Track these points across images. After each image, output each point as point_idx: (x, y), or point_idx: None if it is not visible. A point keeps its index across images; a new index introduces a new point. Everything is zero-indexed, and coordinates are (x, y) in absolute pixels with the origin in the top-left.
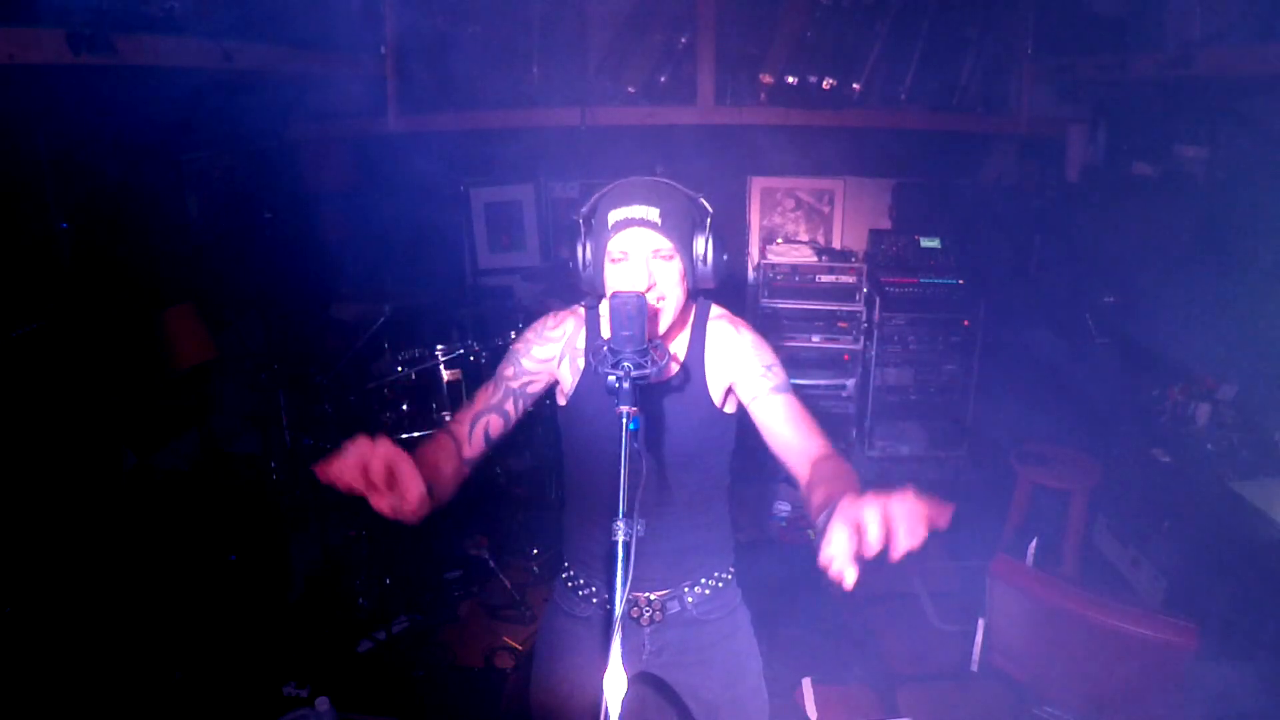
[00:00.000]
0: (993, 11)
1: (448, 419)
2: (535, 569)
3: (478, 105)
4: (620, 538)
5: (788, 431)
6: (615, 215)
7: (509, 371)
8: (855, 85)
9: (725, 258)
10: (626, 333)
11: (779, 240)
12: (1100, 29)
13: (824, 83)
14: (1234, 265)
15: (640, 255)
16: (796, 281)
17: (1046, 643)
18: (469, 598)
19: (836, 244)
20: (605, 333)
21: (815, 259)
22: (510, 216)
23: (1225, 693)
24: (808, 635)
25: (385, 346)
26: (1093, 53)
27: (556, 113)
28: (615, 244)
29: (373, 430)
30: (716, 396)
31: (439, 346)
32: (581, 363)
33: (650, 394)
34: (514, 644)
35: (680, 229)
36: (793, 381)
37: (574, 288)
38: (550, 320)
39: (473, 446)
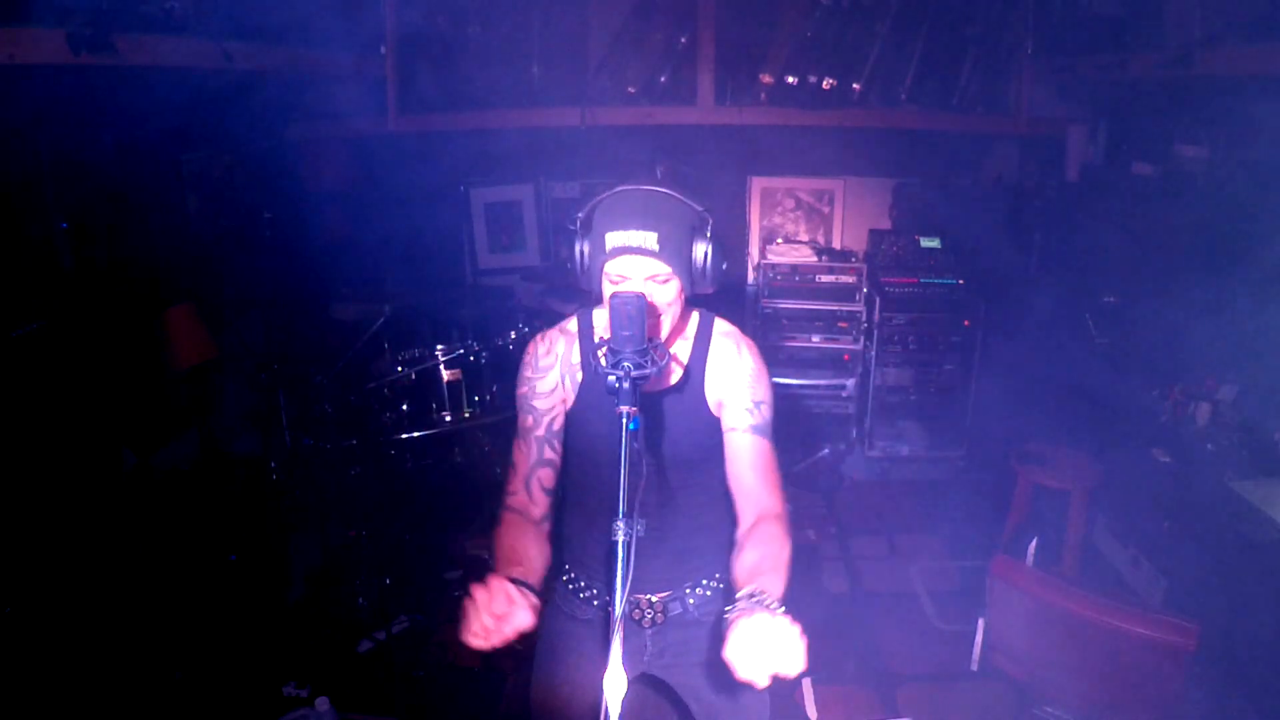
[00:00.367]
0: (993, 11)
1: (447, 418)
2: None
3: (478, 105)
4: (620, 537)
5: (749, 475)
6: (612, 239)
7: (529, 421)
8: (855, 85)
9: (725, 266)
10: (626, 333)
11: (779, 240)
12: (1100, 29)
13: (824, 83)
14: (1234, 265)
15: (637, 278)
16: (796, 281)
17: (1046, 643)
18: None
19: (836, 244)
20: (605, 333)
21: (815, 259)
22: (510, 216)
23: (1224, 692)
24: (808, 635)
25: (385, 346)
26: (1093, 53)
27: (556, 113)
28: (612, 267)
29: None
30: (713, 407)
31: (439, 346)
32: (580, 375)
33: (653, 396)
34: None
35: (679, 249)
36: (792, 382)
37: (574, 287)
38: (541, 347)
39: (538, 505)
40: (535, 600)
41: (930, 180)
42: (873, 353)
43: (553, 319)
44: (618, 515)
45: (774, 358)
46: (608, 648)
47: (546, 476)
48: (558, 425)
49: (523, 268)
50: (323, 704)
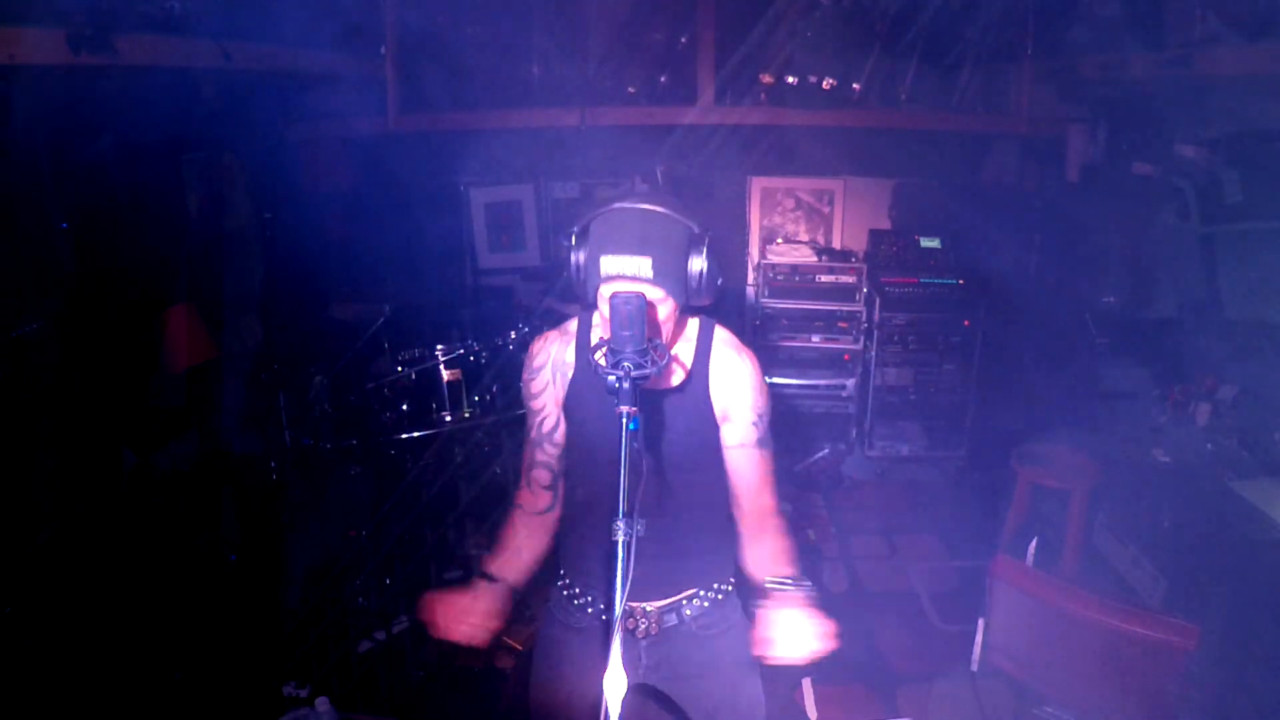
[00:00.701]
0: (992, 11)
1: (447, 418)
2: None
3: (478, 105)
4: (620, 537)
5: (752, 484)
6: (607, 265)
7: (528, 422)
8: (855, 85)
9: (720, 281)
10: (626, 332)
11: (779, 240)
12: (1100, 29)
13: (824, 83)
14: (1234, 265)
15: None
16: (796, 281)
17: (1046, 643)
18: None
19: (836, 244)
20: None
21: (815, 259)
22: (510, 216)
23: (1224, 692)
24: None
25: (385, 346)
26: (1093, 53)
27: (556, 113)
28: (607, 290)
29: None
30: (718, 412)
31: (439, 346)
32: (570, 374)
33: (655, 396)
34: (514, 644)
35: (673, 272)
36: (792, 382)
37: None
38: (536, 348)
39: (540, 500)
40: (487, 606)
41: (930, 180)
42: (872, 353)
43: (552, 319)
44: (618, 515)
45: (774, 358)
46: (604, 654)
47: (542, 476)
48: (547, 427)
49: (523, 268)
50: (323, 704)
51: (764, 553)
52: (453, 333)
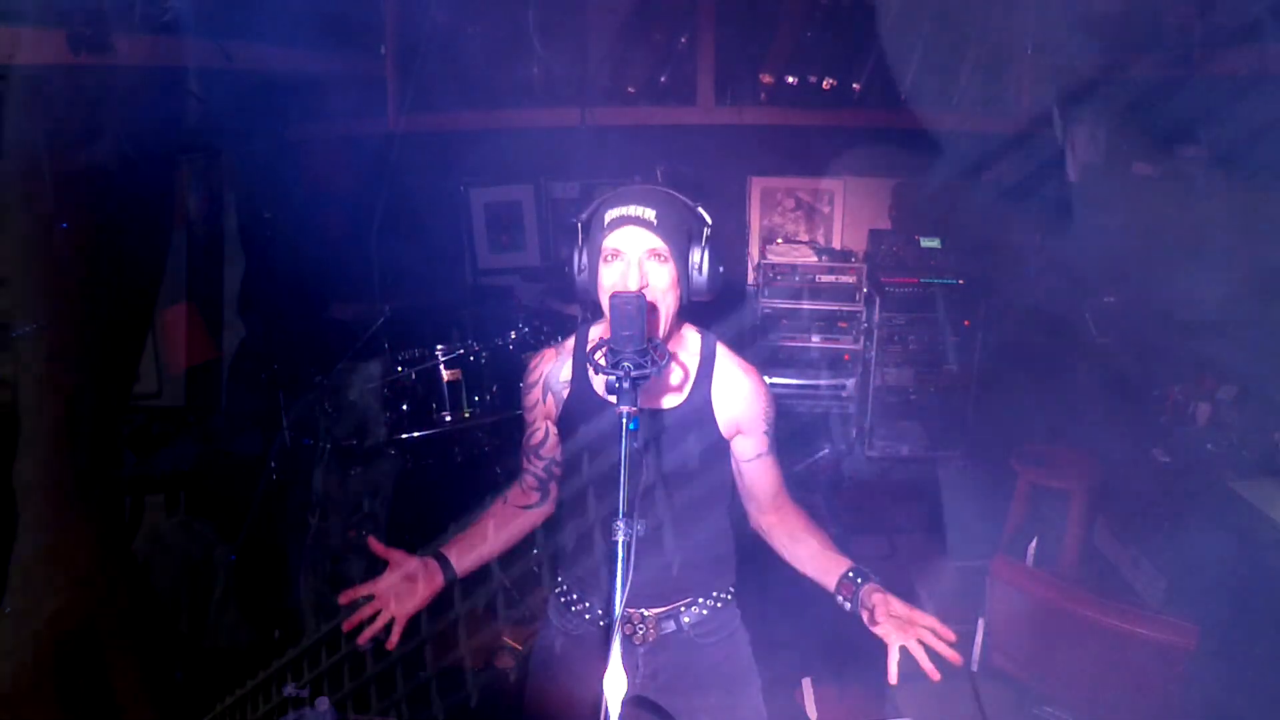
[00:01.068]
0: (992, 11)
1: (447, 418)
2: (535, 569)
3: (477, 105)
4: (620, 537)
5: (773, 487)
6: (611, 214)
7: (525, 428)
8: (855, 85)
9: (721, 270)
10: (626, 332)
11: (779, 240)
12: (1100, 29)
13: (824, 83)
14: (1234, 265)
15: (634, 254)
16: (796, 281)
17: (1046, 643)
18: (469, 597)
19: (836, 244)
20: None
21: (815, 259)
22: (510, 217)
23: (1224, 693)
24: (808, 635)
25: (385, 346)
26: (1093, 53)
27: (556, 113)
28: (610, 241)
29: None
30: (723, 425)
31: (439, 346)
32: (566, 391)
33: (659, 411)
34: (514, 644)
35: (676, 233)
36: (792, 382)
37: (573, 289)
38: (531, 364)
39: (527, 497)
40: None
41: (930, 180)
42: (873, 353)
43: (553, 319)
44: (618, 515)
45: (774, 358)
46: (602, 660)
47: (529, 480)
48: (535, 440)
49: (523, 268)
50: (323, 704)
51: (813, 546)
52: (453, 333)
